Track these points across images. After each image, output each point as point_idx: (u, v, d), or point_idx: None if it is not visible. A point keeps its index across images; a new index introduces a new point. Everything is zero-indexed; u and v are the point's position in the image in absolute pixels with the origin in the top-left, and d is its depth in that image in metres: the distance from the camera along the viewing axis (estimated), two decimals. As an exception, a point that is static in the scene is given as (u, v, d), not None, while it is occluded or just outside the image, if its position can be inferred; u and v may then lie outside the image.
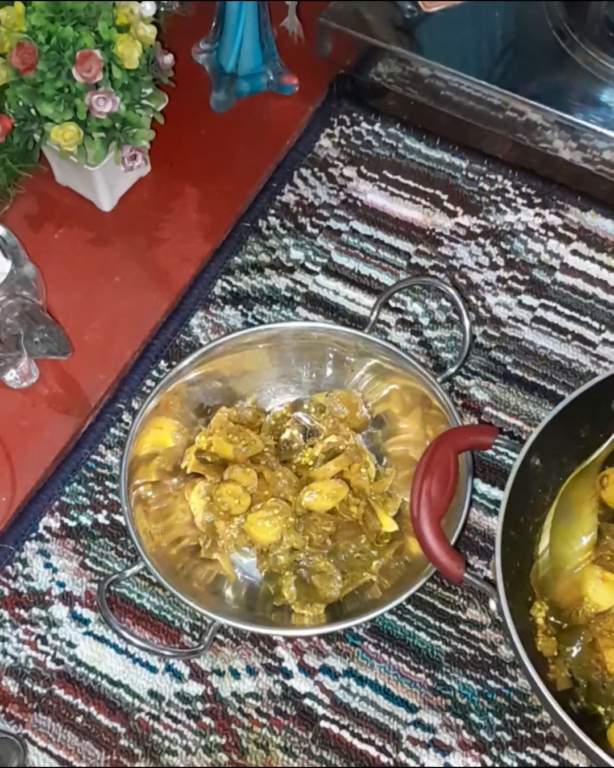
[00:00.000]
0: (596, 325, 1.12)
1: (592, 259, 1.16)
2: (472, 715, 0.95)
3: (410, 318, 1.13)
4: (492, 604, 0.89)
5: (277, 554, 0.97)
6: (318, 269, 1.16)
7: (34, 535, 1.03)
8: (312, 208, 1.20)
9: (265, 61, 1.23)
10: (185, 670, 0.97)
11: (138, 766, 0.94)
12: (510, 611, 0.86)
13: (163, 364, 1.11)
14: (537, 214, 1.18)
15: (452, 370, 1.06)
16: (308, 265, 1.17)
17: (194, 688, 0.96)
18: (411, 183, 1.21)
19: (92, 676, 0.97)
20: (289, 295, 1.15)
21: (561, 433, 0.95)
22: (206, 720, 0.95)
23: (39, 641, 0.98)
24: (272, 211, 1.20)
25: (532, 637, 0.91)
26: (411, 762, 0.93)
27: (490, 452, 1.05)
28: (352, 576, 0.97)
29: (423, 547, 0.90)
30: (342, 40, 1.20)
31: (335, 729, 0.95)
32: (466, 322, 1.04)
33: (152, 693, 0.96)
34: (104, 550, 1.02)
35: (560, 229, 1.17)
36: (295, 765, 0.93)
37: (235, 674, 0.97)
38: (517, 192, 1.20)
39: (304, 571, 0.97)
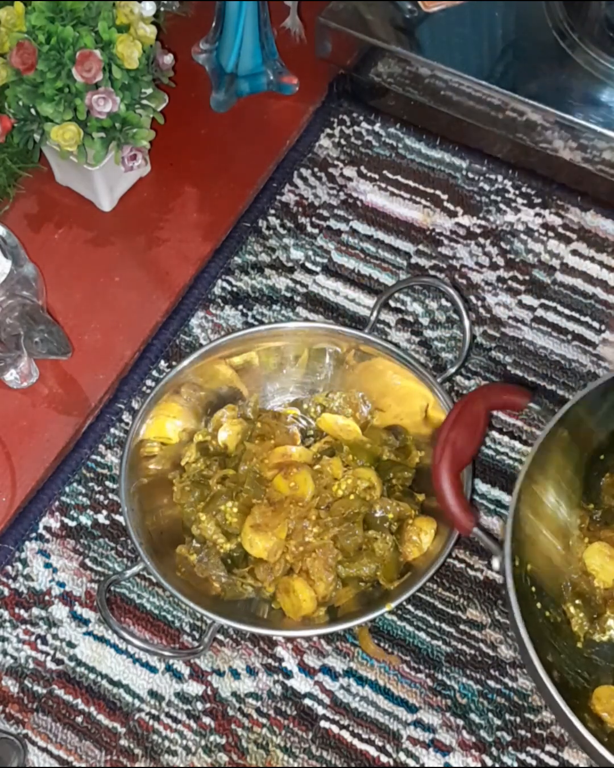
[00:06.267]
0: (596, 325, 1.13)
1: (592, 259, 1.16)
2: (472, 715, 0.95)
3: (410, 318, 1.13)
4: (496, 563, 0.90)
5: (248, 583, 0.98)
6: (318, 269, 1.16)
7: (34, 535, 1.03)
8: (312, 208, 1.20)
9: (265, 61, 1.23)
10: (185, 670, 0.97)
11: (138, 766, 0.94)
12: (512, 570, 0.87)
13: (163, 364, 1.11)
14: (537, 214, 1.18)
15: (452, 370, 1.06)
16: (308, 265, 1.17)
17: (194, 688, 0.96)
18: (411, 183, 1.21)
19: (92, 676, 0.97)
20: (289, 295, 1.15)
21: (592, 410, 0.95)
22: (206, 720, 0.95)
23: (39, 641, 0.98)
24: (272, 211, 1.20)
25: (530, 603, 0.92)
26: (411, 762, 0.93)
27: (490, 452, 1.06)
28: (354, 582, 0.97)
29: (438, 497, 0.90)
30: (342, 40, 1.20)
31: (335, 729, 0.95)
32: (466, 322, 1.04)
33: (152, 693, 0.96)
34: (104, 550, 1.02)
35: (560, 229, 1.17)
36: (295, 765, 0.93)
37: (235, 674, 0.97)
38: (517, 192, 1.20)
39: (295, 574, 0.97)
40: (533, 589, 0.92)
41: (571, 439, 0.95)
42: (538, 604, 0.92)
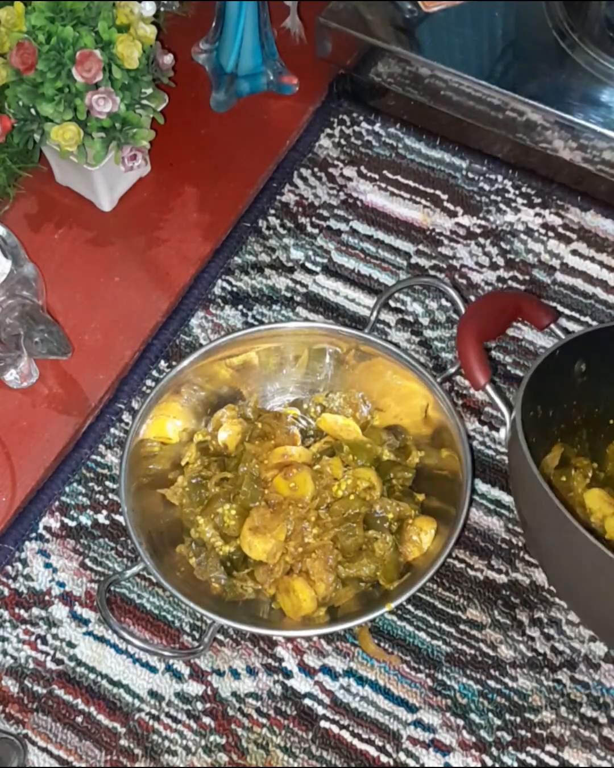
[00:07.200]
0: (596, 325, 1.12)
1: (592, 259, 1.16)
2: (472, 715, 0.95)
3: (410, 318, 1.13)
4: (502, 432, 0.93)
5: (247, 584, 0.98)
6: (318, 269, 1.16)
7: (34, 535, 1.03)
8: (312, 208, 1.20)
9: (265, 61, 1.23)
10: (185, 670, 0.97)
11: (138, 766, 0.94)
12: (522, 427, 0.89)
13: (163, 364, 1.11)
14: (537, 214, 1.18)
15: (452, 370, 1.06)
16: (308, 265, 1.17)
17: (194, 688, 0.96)
18: (411, 183, 1.21)
19: (92, 676, 0.97)
20: (289, 295, 1.15)
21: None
22: (206, 720, 0.95)
23: (39, 641, 0.98)
24: (272, 211, 1.20)
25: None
26: (411, 762, 0.93)
27: (490, 452, 1.06)
28: (354, 582, 0.97)
29: (460, 352, 0.97)
30: (342, 40, 1.20)
31: (335, 729, 0.95)
32: (466, 322, 1.04)
33: (152, 693, 0.96)
34: (104, 550, 1.02)
35: (560, 229, 1.18)
36: (295, 765, 0.93)
37: (235, 674, 0.97)
38: (517, 192, 1.20)
39: (295, 574, 0.97)
40: None
41: (589, 378, 0.97)
42: None
